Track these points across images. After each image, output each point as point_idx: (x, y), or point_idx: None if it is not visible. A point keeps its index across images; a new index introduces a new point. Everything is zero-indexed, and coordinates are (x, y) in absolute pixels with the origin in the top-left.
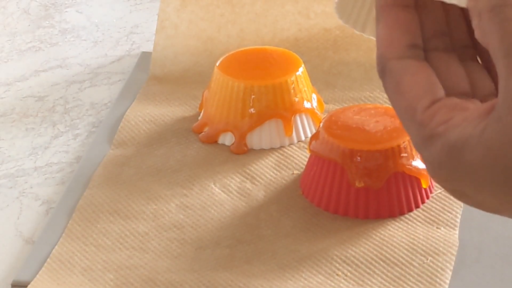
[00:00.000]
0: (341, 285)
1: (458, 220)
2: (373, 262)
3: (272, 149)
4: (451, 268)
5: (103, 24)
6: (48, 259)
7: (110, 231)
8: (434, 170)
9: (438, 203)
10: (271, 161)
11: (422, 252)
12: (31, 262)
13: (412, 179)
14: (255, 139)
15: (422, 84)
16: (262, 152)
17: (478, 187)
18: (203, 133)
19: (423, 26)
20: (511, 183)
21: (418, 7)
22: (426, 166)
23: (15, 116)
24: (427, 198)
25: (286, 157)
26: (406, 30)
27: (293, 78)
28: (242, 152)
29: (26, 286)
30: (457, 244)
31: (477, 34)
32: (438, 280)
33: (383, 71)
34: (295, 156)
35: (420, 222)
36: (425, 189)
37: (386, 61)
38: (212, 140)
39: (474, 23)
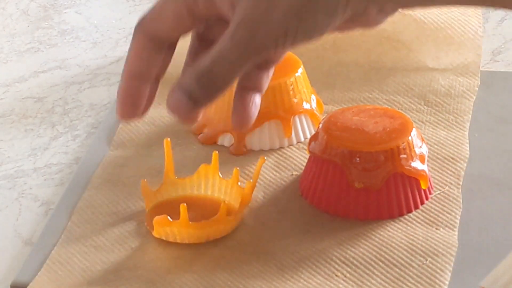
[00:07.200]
0: (340, 286)
1: (457, 221)
2: (373, 263)
3: (271, 150)
4: (451, 269)
5: (102, 25)
6: (47, 260)
7: (110, 232)
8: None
9: (437, 204)
10: (271, 162)
11: (422, 253)
12: (30, 263)
13: (411, 180)
14: (254, 140)
15: None
16: (262, 153)
17: None
18: (202, 134)
19: None
20: None
21: None
22: None
23: (14, 117)
24: (426, 199)
25: (286, 158)
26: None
27: (292, 79)
28: (241, 153)
29: (25, 287)
30: (456, 245)
31: None
32: (437, 281)
33: None
34: (294, 157)
35: (419, 223)
36: (424, 190)
37: None
38: (211, 141)
39: None
